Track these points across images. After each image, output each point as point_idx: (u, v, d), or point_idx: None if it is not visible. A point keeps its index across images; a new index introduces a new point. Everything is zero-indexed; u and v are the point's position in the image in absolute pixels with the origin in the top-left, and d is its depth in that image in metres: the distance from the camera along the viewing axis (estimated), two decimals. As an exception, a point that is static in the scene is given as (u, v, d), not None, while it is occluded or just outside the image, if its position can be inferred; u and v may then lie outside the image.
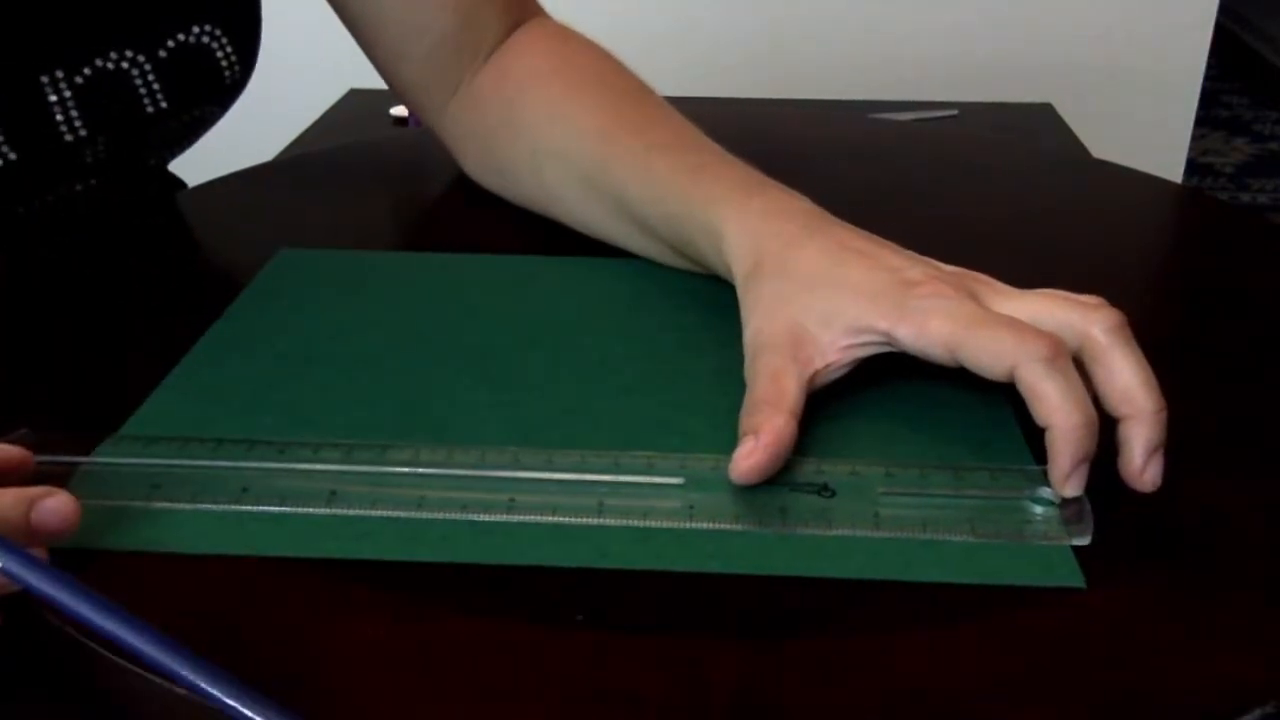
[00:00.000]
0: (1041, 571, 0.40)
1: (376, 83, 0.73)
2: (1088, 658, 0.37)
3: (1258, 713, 0.35)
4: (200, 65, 0.61)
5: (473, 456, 0.45)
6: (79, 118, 0.57)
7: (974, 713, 0.35)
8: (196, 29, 0.60)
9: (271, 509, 0.42)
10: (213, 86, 0.63)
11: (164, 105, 0.60)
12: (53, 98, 0.56)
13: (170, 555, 0.40)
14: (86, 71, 0.57)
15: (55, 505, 0.38)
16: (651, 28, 1.87)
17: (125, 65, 0.58)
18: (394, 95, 0.72)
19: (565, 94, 0.65)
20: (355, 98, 1.74)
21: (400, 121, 1.62)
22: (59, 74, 0.56)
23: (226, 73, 0.63)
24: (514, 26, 0.70)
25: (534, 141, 0.65)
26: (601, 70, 0.67)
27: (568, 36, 0.70)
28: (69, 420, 0.45)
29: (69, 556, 0.40)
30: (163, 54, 0.59)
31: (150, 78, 0.59)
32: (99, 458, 0.45)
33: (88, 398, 0.49)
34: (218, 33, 0.61)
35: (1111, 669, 0.36)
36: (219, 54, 0.62)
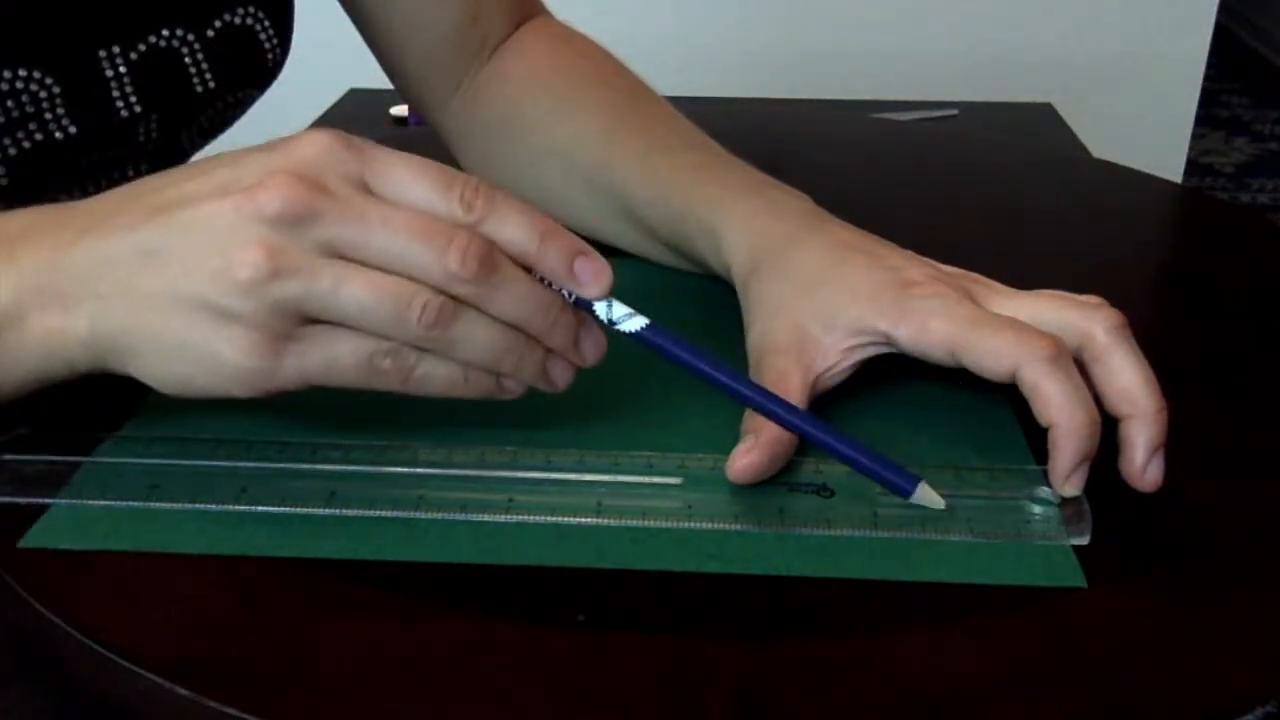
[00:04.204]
0: (1042, 571, 0.40)
1: (377, 83, 0.73)
2: (1088, 658, 0.37)
3: (1258, 712, 0.35)
4: (245, 46, 0.62)
5: (472, 457, 0.45)
6: (134, 94, 0.58)
7: (974, 713, 0.35)
8: (241, 10, 0.61)
9: (271, 509, 0.42)
10: (256, 68, 0.64)
11: (212, 85, 0.61)
12: (109, 73, 0.57)
13: (170, 555, 0.40)
14: (141, 48, 0.58)
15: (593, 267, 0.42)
16: (651, 28, 1.87)
17: (175, 44, 0.59)
18: (396, 91, 0.72)
19: (567, 94, 0.65)
20: (355, 98, 1.74)
21: (400, 121, 1.62)
22: (115, 49, 0.57)
23: (269, 55, 0.64)
24: (517, 25, 0.70)
25: (535, 141, 0.65)
26: (603, 70, 0.67)
27: (570, 36, 0.70)
28: (69, 420, 0.45)
29: (69, 556, 0.40)
30: (210, 34, 0.60)
31: (199, 56, 0.60)
32: (99, 458, 0.45)
33: (88, 398, 0.49)
34: (260, 14, 0.62)
35: (1111, 669, 0.36)
36: (261, 35, 0.63)
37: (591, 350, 0.43)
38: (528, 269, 0.41)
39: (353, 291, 0.39)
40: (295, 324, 0.40)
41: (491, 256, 0.40)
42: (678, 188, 0.56)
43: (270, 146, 0.41)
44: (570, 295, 0.42)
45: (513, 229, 0.41)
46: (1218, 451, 0.47)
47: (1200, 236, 0.71)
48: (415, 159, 0.41)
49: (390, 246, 0.39)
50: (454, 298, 0.40)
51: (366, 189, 0.40)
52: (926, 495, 0.42)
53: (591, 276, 0.42)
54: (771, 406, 0.43)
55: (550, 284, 0.42)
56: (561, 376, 0.43)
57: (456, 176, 0.41)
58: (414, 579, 0.40)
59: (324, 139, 0.40)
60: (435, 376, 0.41)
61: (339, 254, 0.39)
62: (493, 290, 0.40)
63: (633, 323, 0.43)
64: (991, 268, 0.49)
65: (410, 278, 0.39)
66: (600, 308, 0.43)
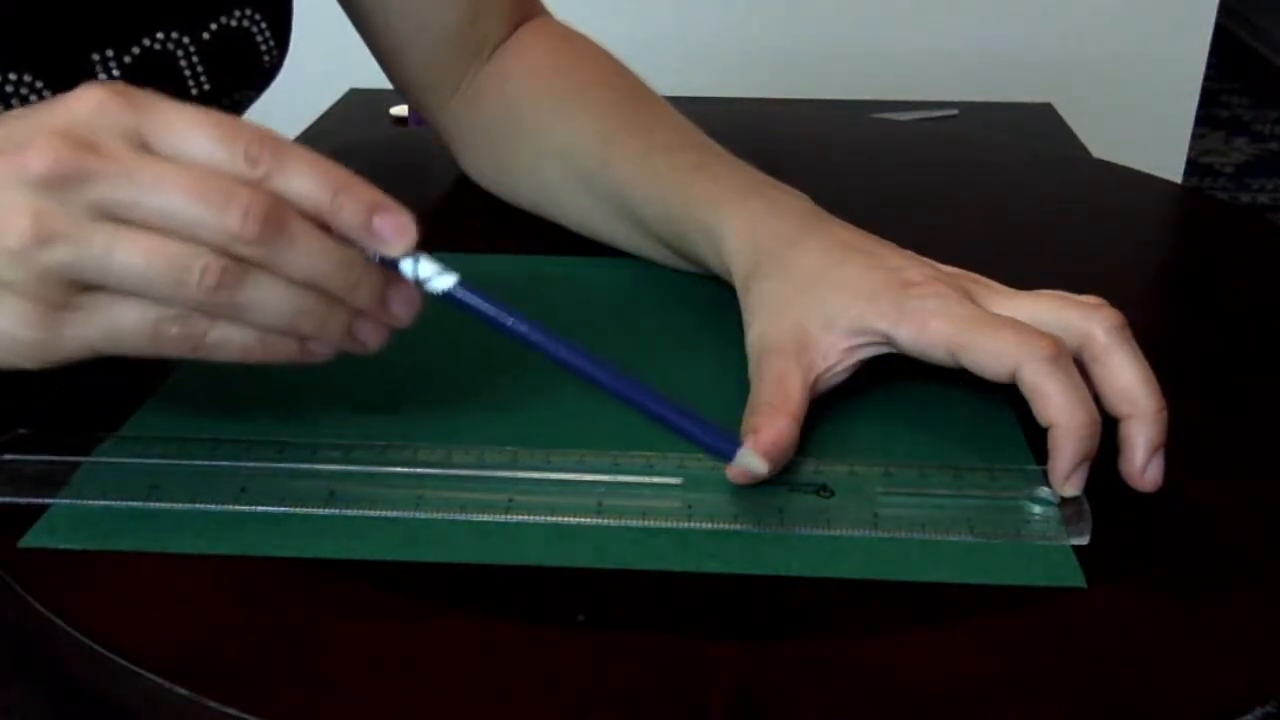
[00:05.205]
0: (1042, 571, 0.40)
1: (376, 83, 0.73)
2: (1088, 658, 0.37)
3: (1258, 712, 0.35)
4: (241, 49, 0.62)
5: (471, 457, 0.45)
6: None
7: (974, 713, 0.35)
8: (237, 13, 0.61)
9: (270, 509, 0.42)
10: (252, 70, 0.63)
11: (207, 88, 0.60)
12: (102, 76, 0.56)
13: (170, 555, 0.40)
14: (135, 51, 0.57)
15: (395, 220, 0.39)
16: (651, 28, 1.87)
17: (170, 46, 0.59)
18: (396, 91, 0.72)
19: (566, 94, 0.65)
20: (355, 98, 1.74)
21: (400, 121, 1.62)
22: (109, 53, 0.57)
23: (265, 57, 0.63)
24: (517, 25, 0.70)
25: (534, 141, 0.65)
26: (603, 70, 0.67)
27: (570, 36, 0.70)
28: (69, 420, 0.45)
29: (69, 556, 0.40)
30: (206, 36, 0.60)
31: (195, 59, 0.59)
32: (99, 458, 0.45)
33: (88, 398, 0.49)
34: (256, 17, 0.62)
35: (1111, 669, 0.36)
36: (258, 38, 0.62)
37: (402, 308, 0.41)
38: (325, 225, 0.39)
39: (125, 256, 0.37)
40: (72, 292, 0.38)
41: (277, 214, 0.37)
42: (677, 188, 0.56)
43: (45, 105, 0.39)
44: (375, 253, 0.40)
45: (303, 183, 0.38)
46: (1218, 451, 0.47)
47: (1200, 236, 0.71)
48: (198, 111, 0.38)
49: (165, 207, 0.37)
50: (241, 258, 0.38)
51: (145, 146, 0.38)
52: (746, 460, 0.42)
53: (393, 232, 0.39)
54: (581, 363, 0.41)
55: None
56: (371, 337, 0.42)
57: (242, 128, 0.38)
58: (414, 579, 0.40)
59: (97, 95, 0.38)
60: (229, 343, 0.39)
61: (113, 216, 0.37)
62: (281, 251, 0.38)
63: (442, 280, 0.41)
64: (991, 268, 0.49)
65: (191, 239, 0.37)
66: (406, 265, 0.40)
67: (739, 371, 0.48)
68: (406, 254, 0.40)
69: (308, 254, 0.38)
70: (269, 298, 0.38)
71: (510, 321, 0.41)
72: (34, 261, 0.37)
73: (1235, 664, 0.37)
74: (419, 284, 0.41)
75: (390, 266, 0.40)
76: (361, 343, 0.42)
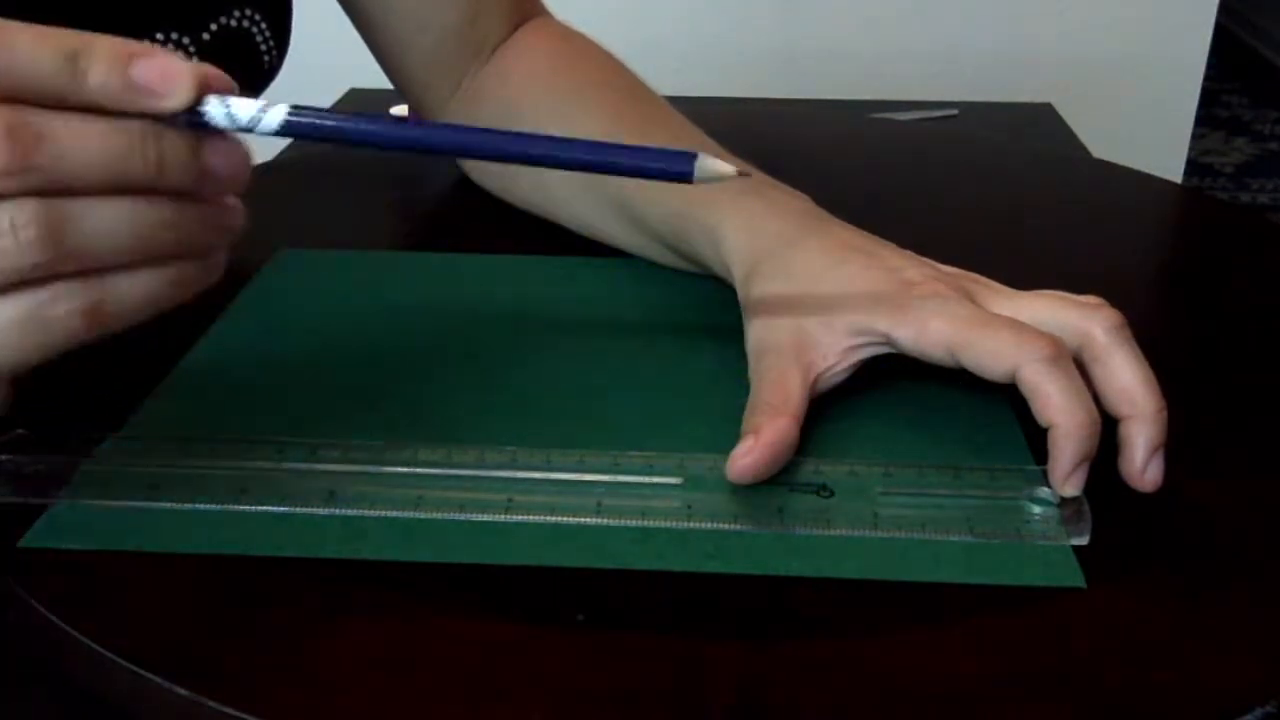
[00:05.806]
0: (1042, 571, 0.40)
1: (376, 83, 0.73)
2: (1087, 658, 0.37)
3: (1258, 712, 0.35)
4: (241, 49, 0.62)
5: (471, 456, 0.45)
6: None
7: (974, 713, 0.35)
8: (237, 13, 0.61)
9: (270, 509, 0.42)
10: (253, 71, 0.63)
11: None
12: None
13: (170, 555, 0.40)
14: None
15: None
16: (651, 28, 1.87)
17: (170, 47, 0.58)
18: (395, 91, 0.72)
19: (566, 94, 0.65)
20: (355, 98, 1.74)
21: (400, 121, 1.62)
22: None
23: (265, 57, 0.63)
24: (517, 25, 0.70)
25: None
26: (603, 70, 0.67)
27: (570, 36, 0.70)
28: (69, 420, 0.45)
29: (70, 556, 0.40)
30: (206, 37, 0.60)
31: (194, 60, 0.59)
32: (99, 458, 0.45)
33: (88, 398, 0.49)
34: (257, 18, 0.62)
35: (1111, 669, 0.36)
36: (258, 38, 0.62)
37: (223, 162, 0.34)
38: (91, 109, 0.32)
39: None
40: None
41: (21, 124, 0.30)
42: (677, 188, 0.56)
43: None
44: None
45: (30, 63, 0.31)
46: (1218, 451, 0.47)
47: (1200, 236, 0.71)
48: None
49: None
50: (31, 193, 0.31)
51: None
52: (711, 167, 0.36)
53: (160, 80, 0.32)
54: (476, 141, 0.36)
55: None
56: (232, 215, 0.35)
57: None
58: (414, 579, 0.40)
59: None
60: (128, 297, 0.34)
61: None
62: (56, 162, 0.31)
63: (273, 115, 0.35)
64: (991, 268, 0.49)
65: None
66: (217, 114, 0.33)
67: (739, 371, 0.48)
68: (191, 100, 0.33)
69: (83, 149, 0.31)
70: (104, 224, 0.32)
71: (362, 129, 0.36)
72: None
73: (1235, 664, 0.37)
74: (243, 130, 0.34)
75: (198, 122, 0.33)
76: (230, 226, 0.36)
